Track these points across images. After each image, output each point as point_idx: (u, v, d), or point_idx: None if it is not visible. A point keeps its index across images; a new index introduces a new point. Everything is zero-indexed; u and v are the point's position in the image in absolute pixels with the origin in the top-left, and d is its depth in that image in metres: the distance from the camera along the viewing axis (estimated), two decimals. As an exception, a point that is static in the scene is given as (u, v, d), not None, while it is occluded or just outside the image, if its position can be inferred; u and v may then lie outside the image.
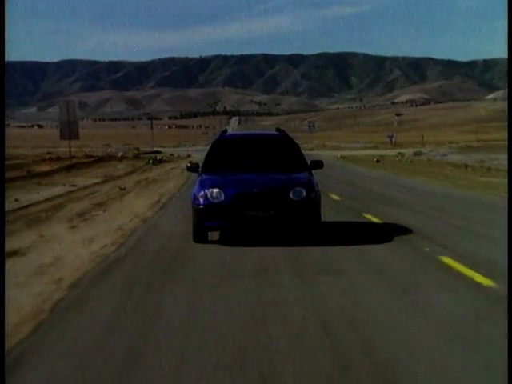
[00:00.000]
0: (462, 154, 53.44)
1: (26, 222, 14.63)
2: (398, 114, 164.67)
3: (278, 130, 12.51)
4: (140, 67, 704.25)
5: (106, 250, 10.09)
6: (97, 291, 7.32)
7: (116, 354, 5.06)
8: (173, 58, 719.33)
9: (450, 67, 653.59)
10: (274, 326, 5.72)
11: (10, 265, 9.04)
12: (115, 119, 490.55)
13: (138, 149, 67.64)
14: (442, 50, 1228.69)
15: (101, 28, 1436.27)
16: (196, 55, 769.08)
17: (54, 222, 14.62)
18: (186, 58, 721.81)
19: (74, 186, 25.99)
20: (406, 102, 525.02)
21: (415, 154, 54.46)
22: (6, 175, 27.05)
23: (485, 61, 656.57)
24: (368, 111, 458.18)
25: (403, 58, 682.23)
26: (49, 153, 49.34)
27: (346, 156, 55.03)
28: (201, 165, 11.56)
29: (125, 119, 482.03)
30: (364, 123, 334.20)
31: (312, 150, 75.47)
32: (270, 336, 5.43)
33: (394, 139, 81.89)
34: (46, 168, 32.61)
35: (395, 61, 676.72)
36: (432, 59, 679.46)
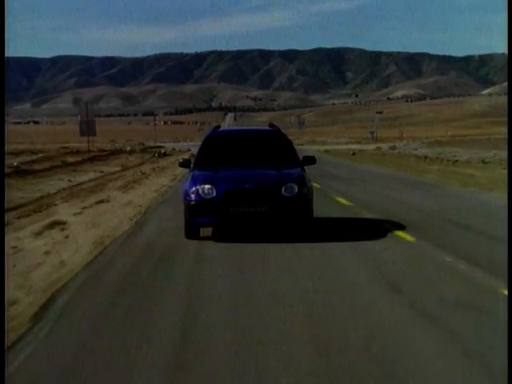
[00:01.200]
0: (430, 148, 61.12)
1: (90, 191, 22.34)
2: (379, 112, 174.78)
3: (270, 125, 12.81)
4: (135, 63, 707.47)
5: (155, 198, 17.87)
6: (162, 208, 15.18)
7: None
8: (168, 54, 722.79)
9: (446, 62, 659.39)
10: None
11: (104, 206, 16.74)
12: (110, 115, 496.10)
13: (142, 144, 75.51)
14: (438, 45, 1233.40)
15: (95, 23, 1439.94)
16: (191, 51, 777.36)
17: (108, 190, 22.32)
18: (182, 53, 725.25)
19: (103, 172, 33.63)
20: (402, 97, 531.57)
21: (390, 148, 62.29)
22: (46, 165, 34.69)
23: (480, 56, 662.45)
24: (363, 107, 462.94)
25: (399, 54, 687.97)
26: (64, 147, 56.90)
27: (329, 150, 62.81)
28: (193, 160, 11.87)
29: (120, 115, 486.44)
30: (359, 119, 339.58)
31: (303, 145, 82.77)
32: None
33: (375, 135, 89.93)
34: (73, 159, 40.31)
35: (391, 56, 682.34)
36: (428, 54, 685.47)
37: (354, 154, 53.06)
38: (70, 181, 27.18)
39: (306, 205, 10.54)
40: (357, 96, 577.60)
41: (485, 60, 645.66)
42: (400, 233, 11.09)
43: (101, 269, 8.55)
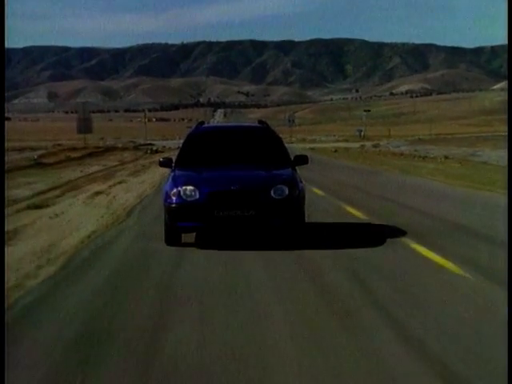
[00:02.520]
0: (410, 146, 69.74)
1: (105, 177, 30.71)
2: (366, 110, 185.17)
3: (259, 122, 12.84)
4: (116, 54, 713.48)
5: (163, 179, 26.26)
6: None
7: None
8: (152, 45, 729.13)
9: (455, 54, 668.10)
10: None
11: (125, 184, 25.11)
12: (90, 111, 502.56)
13: (133, 141, 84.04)
14: (446, 36, 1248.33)
15: (72, 10, 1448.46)
16: (177, 41, 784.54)
17: (119, 176, 30.67)
18: (167, 44, 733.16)
19: (105, 165, 41.97)
20: (406, 92, 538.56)
21: (374, 146, 70.92)
22: (53, 160, 43.08)
23: (492, 47, 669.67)
24: (364, 103, 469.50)
25: (403, 45, 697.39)
26: (58, 145, 65.32)
27: (314, 148, 71.22)
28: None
29: (100, 111, 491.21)
30: (359, 116, 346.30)
31: (292, 143, 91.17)
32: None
33: (363, 133, 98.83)
34: (75, 155, 48.75)
35: (394, 47, 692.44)
36: (435, 46, 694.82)
37: (336, 151, 61.65)
38: (81, 171, 35.48)
39: (297, 208, 10.60)
40: (357, 91, 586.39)
41: (497, 52, 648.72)
42: (318, 191, 19.73)
43: (147, 204, 17.42)
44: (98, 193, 21.49)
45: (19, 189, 24.13)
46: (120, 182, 26.05)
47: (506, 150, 50.65)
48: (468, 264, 9.02)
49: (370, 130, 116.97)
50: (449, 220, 13.93)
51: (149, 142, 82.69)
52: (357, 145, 75.68)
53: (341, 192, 20.11)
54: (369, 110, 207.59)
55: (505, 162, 38.35)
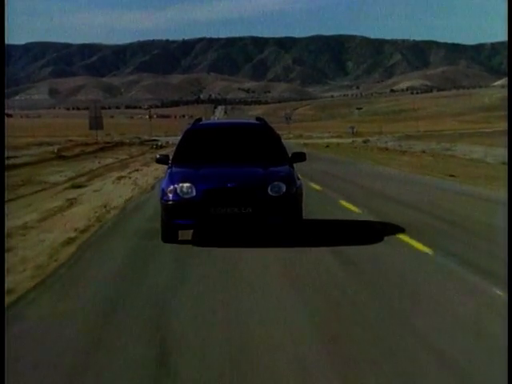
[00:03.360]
0: (397, 142, 75.33)
1: (120, 167, 36.25)
2: (359, 108, 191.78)
3: (257, 118, 12.93)
4: (117, 51, 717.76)
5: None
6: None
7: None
8: (153, 41, 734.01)
9: (455, 51, 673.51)
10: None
11: (140, 172, 30.67)
12: (101, 107, 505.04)
13: (139, 138, 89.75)
14: (446, 33, 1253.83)
15: (73, 6, 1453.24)
16: (178, 38, 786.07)
17: (133, 167, 36.20)
18: (168, 40, 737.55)
19: (117, 158, 47.48)
20: (407, 89, 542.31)
21: (364, 141, 76.49)
22: (71, 153, 48.65)
23: (493, 44, 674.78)
24: (365, 99, 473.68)
25: (404, 42, 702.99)
26: (70, 140, 70.92)
27: (308, 143, 76.74)
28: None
29: (101, 108, 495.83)
30: (359, 113, 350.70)
31: (290, 139, 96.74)
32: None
33: (355, 130, 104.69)
34: (89, 149, 54.33)
35: (395, 44, 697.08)
36: (435, 42, 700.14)
37: (327, 146, 67.25)
38: (99, 163, 41.00)
39: (295, 206, 10.70)
40: (358, 88, 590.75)
41: (498, 48, 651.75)
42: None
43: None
44: (120, 177, 27.02)
45: (54, 175, 29.74)
46: (136, 170, 31.55)
47: (481, 146, 56.40)
48: (366, 208, 14.81)
49: (365, 126, 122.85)
50: (377, 191, 19.69)
51: (153, 138, 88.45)
52: (349, 140, 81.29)
53: (314, 176, 25.50)
54: (361, 108, 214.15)
55: (471, 155, 44.05)
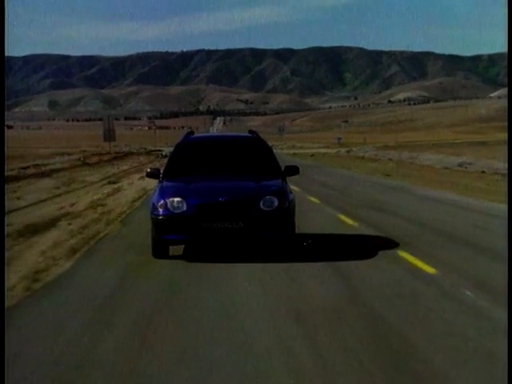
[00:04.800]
0: (376, 151, 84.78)
1: (137, 171, 45.58)
2: (345, 121, 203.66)
3: (250, 131, 12.96)
4: (116, 63, 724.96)
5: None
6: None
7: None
8: (152, 53, 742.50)
9: (452, 62, 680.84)
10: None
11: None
12: (90, 119, 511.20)
13: (145, 148, 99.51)
14: (444, 44, 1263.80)
15: (72, 19, 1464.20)
16: (177, 49, 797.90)
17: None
18: (167, 52, 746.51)
19: (131, 165, 56.84)
20: (404, 100, 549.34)
21: (347, 151, 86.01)
22: (92, 161, 58.07)
23: (490, 55, 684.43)
24: (362, 110, 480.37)
25: (401, 53, 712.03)
26: (84, 150, 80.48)
27: (297, 153, 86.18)
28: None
29: (100, 119, 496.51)
30: (357, 124, 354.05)
31: (282, 149, 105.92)
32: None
33: (341, 140, 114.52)
34: (105, 158, 63.78)
35: (393, 55, 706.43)
36: (433, 54, 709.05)
37: (312, 155, 76.78)
38: (118, 168, 50.33)
39: (287, 220, 10.67)
40: (356, 99, 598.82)
41: (495, 60, 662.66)
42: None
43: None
44: (141, 177, 36.39)
45: (89, 177, 39.12)
46: (152, 173, 41.00)
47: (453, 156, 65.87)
48: (304, 189, 24.23)
49: (353, 137, 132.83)
50: (321, 182, 29.19)
51: (158, 148, 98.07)
52: (335, 150, 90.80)
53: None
54: (347, 121, 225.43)
55: (426, 162, 53.40)
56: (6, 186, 28.89)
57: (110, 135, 72.80)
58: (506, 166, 41.70)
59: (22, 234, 13.72)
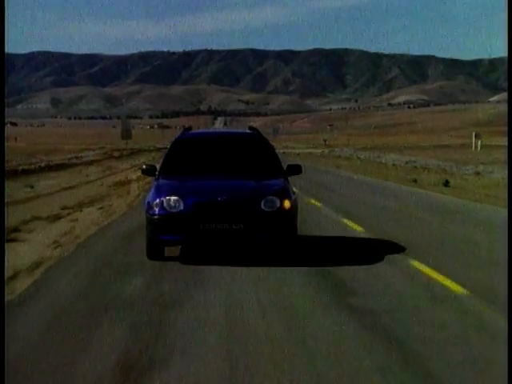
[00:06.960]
0: (354, 151, 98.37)
1: (153, 163, 59.48)
2: (330, 125, 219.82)
3: (250, 128, 12.57)
4: (118, 61, 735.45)
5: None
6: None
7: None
8: (154, 52, 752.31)
9: (453, 66, 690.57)
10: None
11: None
12: (91, 117, 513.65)
13: (154, 146, 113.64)
14: (444, 48, 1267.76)
15: (75, 17, 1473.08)
16: (179, 49, 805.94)
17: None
18: (169, 52, 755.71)
19: (147, 159, 70.51)
20: (404, 103, 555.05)
21: (330, 151, 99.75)
22: (116, 155, 72.01)
23: (490, 60, 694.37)
24: (362, 113, 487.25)
25: (402, 56, 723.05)
26: (103, 147, 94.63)
27: (285, 152, 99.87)
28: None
29: (102, 118, 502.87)
30: (356, 126, 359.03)
31: (276, 149, 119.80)
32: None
33: (327, 142, 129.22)
34: (125, 153, 77.73)
35: (393, 58, 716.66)
36: (433, 57, 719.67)
37: (298, 154, 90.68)
38: (138, 160, 64.01)
39: (289, 222, 10.37)
40: (356, 101, 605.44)
41: (495, 64, 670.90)
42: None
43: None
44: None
45: (119, 166, 53.01)
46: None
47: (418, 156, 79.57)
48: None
49: (341, 139, 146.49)
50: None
51: (166, 146, 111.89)
52: (320, 150, 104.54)
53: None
54: (332, 125, 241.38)
55: (384, 160, 67.09)
56: (70, 170, 43.05)
57: (127, 134, 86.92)
58: (436, 162, 56.06)
59: (117, 185, 27.86)
